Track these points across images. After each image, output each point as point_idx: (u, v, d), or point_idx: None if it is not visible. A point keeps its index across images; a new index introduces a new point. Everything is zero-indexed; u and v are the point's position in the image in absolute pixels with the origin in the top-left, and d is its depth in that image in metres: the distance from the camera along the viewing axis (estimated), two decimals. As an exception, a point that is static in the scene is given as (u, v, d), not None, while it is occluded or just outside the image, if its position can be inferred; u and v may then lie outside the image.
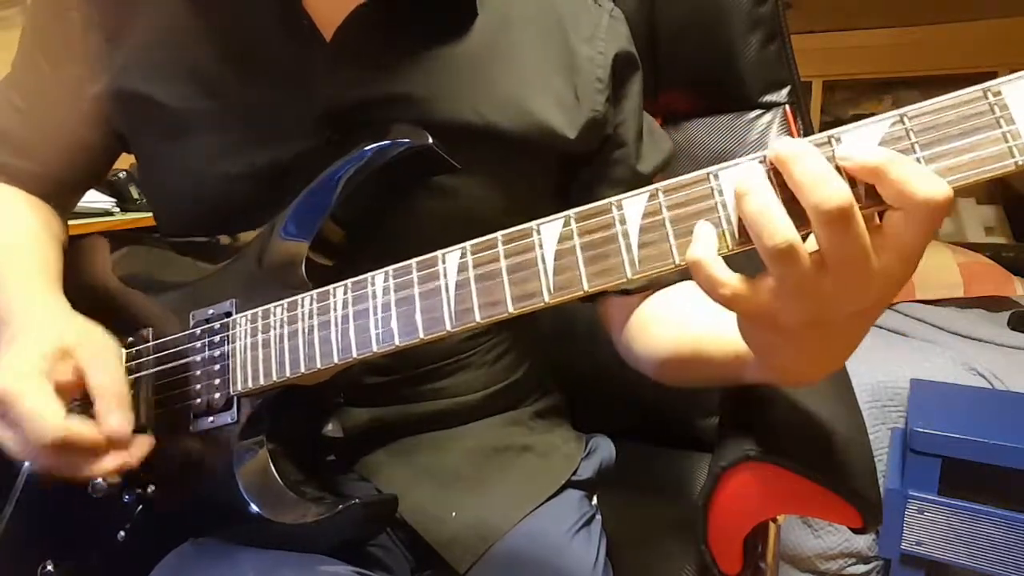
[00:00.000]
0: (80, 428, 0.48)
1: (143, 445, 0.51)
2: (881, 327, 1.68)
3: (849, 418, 0.60)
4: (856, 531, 0.52)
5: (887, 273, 0.34)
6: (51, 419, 0.47)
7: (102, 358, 0.51)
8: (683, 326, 0.54)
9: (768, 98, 0.88)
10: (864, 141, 0.34)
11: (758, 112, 0.88)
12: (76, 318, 0.54)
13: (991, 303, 1.81)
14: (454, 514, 0.59)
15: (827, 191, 0.31)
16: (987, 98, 0.32)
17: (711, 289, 0.36)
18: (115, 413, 0.49)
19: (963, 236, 2.42)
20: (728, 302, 0.36)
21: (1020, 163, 0.31)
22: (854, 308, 0.35)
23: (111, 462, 0.49)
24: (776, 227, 0.33)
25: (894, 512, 1.25)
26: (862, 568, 1.43)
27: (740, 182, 0.34)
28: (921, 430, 1.23)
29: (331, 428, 0.59)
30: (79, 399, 0.51)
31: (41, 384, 0.48)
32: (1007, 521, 1.18)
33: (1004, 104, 0.32)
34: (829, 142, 0.34)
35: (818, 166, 0.32)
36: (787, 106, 0.87)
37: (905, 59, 2.54)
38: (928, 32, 2.49)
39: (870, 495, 0.49)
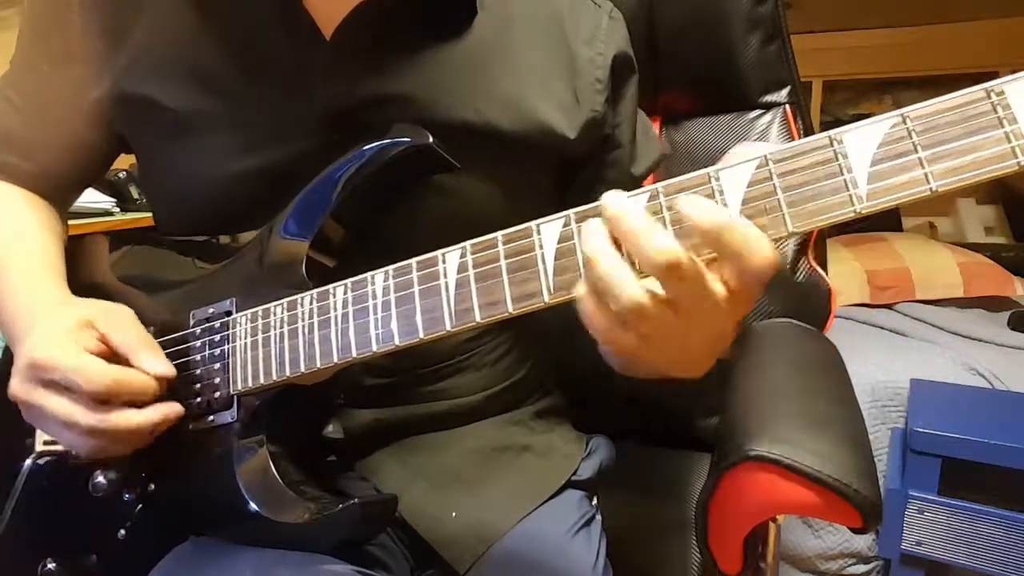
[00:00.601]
0: (129, 372, 0.49)
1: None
2: (881, 327, 1.68)
3: (849, 418, 0.60)
4: (856, 531, 0.52)
5: (735, 300, 0.36)
6: (100, 367, 0.48)
7: (122, 323, 0.52)
8: None
9: (768, 98, 0.88)
10: (865, 139, 0.34)
11: (758, 112, 0.88)
12: (87, 300, 0.55)
13: (991, 303, 1.81)
14: (454, 514, 0.59)
15: (652, 248, 0.33)
16: (990, 98, 0.32)
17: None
18: (154, 359, 0.51)
19: (963, 236, 2.42)
20: (597, 337, 0.38)
21: (1023, 163, 0.31)
22: (709, 334, 0.38)
23: (154, 412, 0.50)
24: (622, 290, 0.35)
25: (894, 512, 1.25)
26: (862, 568, 1.43)
27: (585, 248, 0.36)
28: (921, 430, 1.23)
29: (332, 429, 0.59)
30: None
31: (78, 347, 0.49)
32: (1007, 521, 1.18)
33: (1007, 104, 0.32)
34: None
35: (638, 223, 0.34)
36: (787, 106, 0.87)
37: (905, 59, 2.54)
38: (928, 32, 2.49)
39: (870, 495, 0.49)
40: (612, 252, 0.35)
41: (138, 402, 0.50)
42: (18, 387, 0.49)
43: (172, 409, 0.51)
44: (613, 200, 0.35)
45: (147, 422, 0.49)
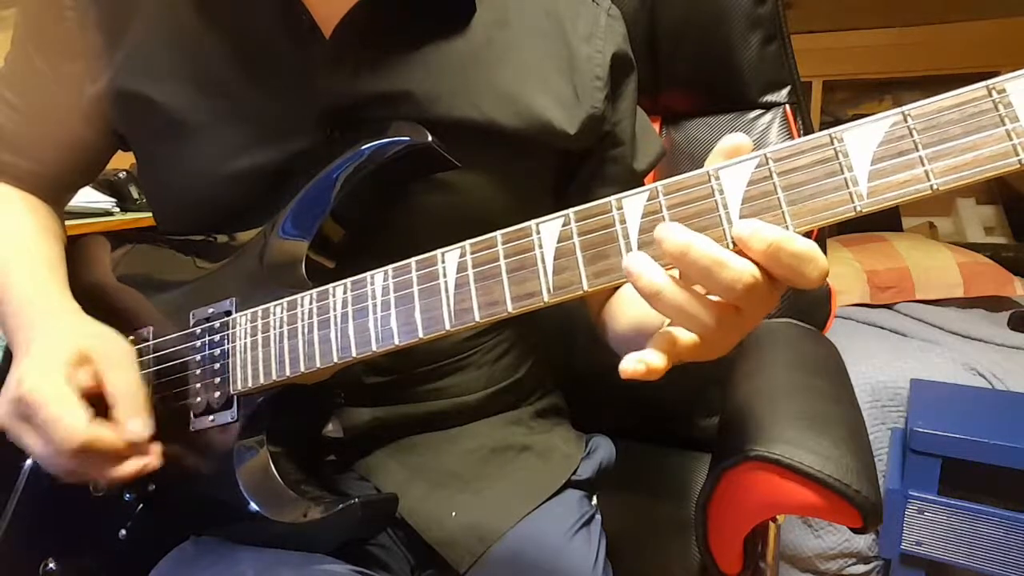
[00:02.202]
0: (104, 433, 0.48)
1: (158, 450, 0.52)
2: (881, 327, 1.68)
3: (849, 418, 0.60)
4: (856, 531, 0.52)
5: (778, 288, 0.37)
6: (76, 424, 0.47)
7: (119, 363, 0.52)
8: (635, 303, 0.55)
9: (768, 98, 0.88)
10: (866, 138, 0.34)
11: (758, 112, 0.88)
12: (90, 322, 0.55)
13: (991, 303, 1.81)
14: (454, 514, 0.59)
15: (729, 275, 0.34)
16: (991, 95, 0.32)
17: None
18: (134, 419, 0.50)
19: (963, 236, 2.42)
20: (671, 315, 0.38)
21: None
22: (754, 324, 0.39)
23: (131, 466, 0.50)
24: (694, 315, 0.36)
25: (894, 512, 1.25)
26: (862, 568, 1.43)
27: (646, 284, 0.36)
28: (921, 430, 1.23)
29: (332, 428, 0.59)
30: (96, 404, 0.51)
31: (65, 390, 0.48)
32: (1007, 521, 1.18)
33: (1008, 102, 0.31)
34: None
35: (711, 253, 0.34)
36: (787, 106, 0.87)
37: (905, 59, 2.54)
38: (928, 32, 2.49)
39: (870, 495, 0.49)
40: (665, 278, 0.36)
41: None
42: (3, 415, 0.49)
43: (147, 465, 0.51)
44: (672, 232, 0.35)
45: (116, 477, 0.50)
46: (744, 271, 0.34)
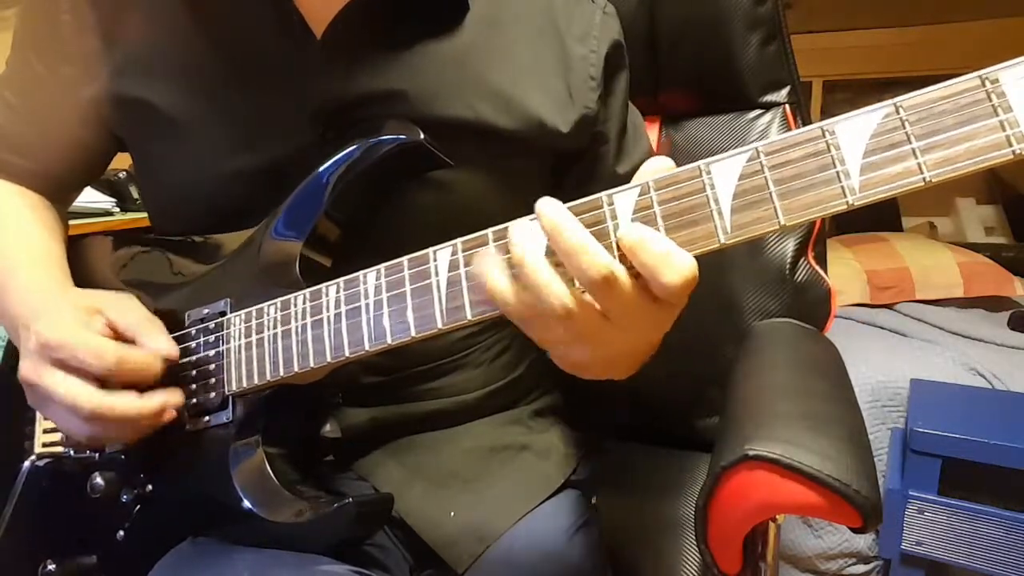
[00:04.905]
0: (135, 351, 0.50)
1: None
2: (881, 327, 1.68)
3: (849, 418, 0.60)
4: (856, 531, 0.52)
5: (664, 310, 0.37)
6: (109, 344, 0.49)
7: (129, 306, 0.54)
8: None
9: (768, 98, 0.87)
10: (858, 130, 0.33)
11: (758, 112, 0.88)
12: (91, 290, 0.56)
13: (991, 303, 1.80)
14: (452, 514, 0.59)
15: (585, 262, 0.34)
16: (984, 86, 0.31)
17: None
18: (159, 338, 0.52)
19: (963, 236, 2.42)
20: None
21: (1018, 152, 0.30)
22: (637, 341, 0.39)
23: (156, 400, 0.50)
24: (549, 294, 0.36)
25: (894, 512, 1.25)
26: (862, 568, 1.43)
27: (516, 253, 0.36)
28: (921, 430, 1.23)
29: (329, 428, 0.59)
30: None
31: (85, 330, 0.50)
32: (1007, 521, 1.18)
33: (1002, 92, 0.31)
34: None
35: (575, 238, 0.35)
36: (787, 106, 0.87)
37: (905, 59, 2.54)
38: (928, 32, 2.49)
39: (870, 495, 0.49)
40: (542, 259, 0.36)
41: (141, 387, 0.50)
42: (29, 368, 0.50)
43: (173, 396, 0.51)
44: (549, 210, 0.36)
45: (148, 408, 0.50)
46: (601, 258, 0.35)
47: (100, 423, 0.49)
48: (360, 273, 0.46)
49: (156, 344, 0.51)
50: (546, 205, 0.36)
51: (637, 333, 0.39)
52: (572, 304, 0.36)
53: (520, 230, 0.37)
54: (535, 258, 0.36)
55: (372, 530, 0.58)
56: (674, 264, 0.35)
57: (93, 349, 0.48)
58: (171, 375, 0.55)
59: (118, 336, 0.52)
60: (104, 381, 0.49)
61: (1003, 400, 1.38)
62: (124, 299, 0.55)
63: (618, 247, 0.36)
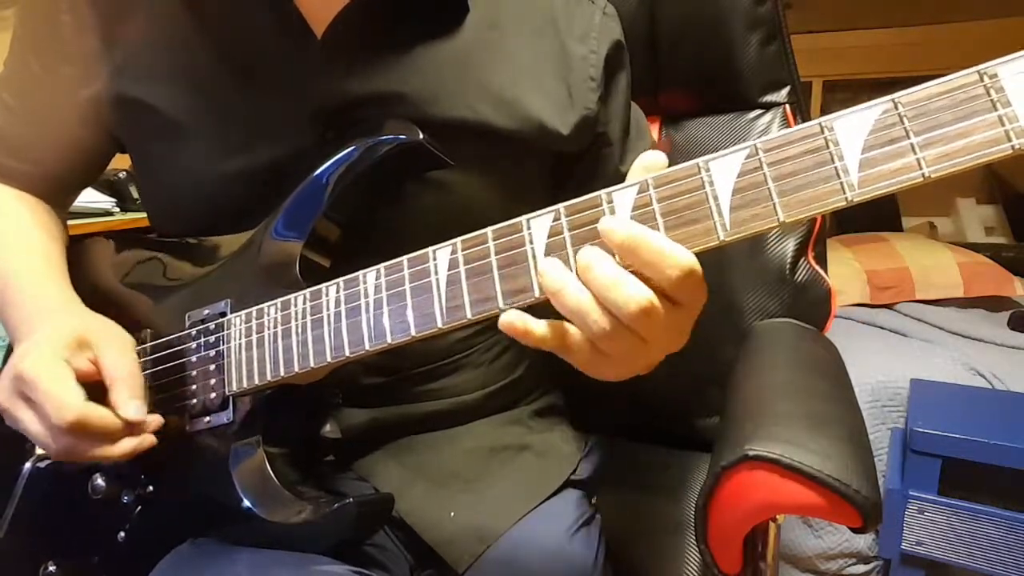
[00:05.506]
0: (98, 412, 0.49)
1: (154, 425, 0.52)
2: (881, 327, 1.68)
3: (849, 418, 0.60)
4: (856, 531, 0.52)
5: (680, 311, 0.37)
6: (71, 401, 0.48)
7: (118, 348, 0.53)
8: None
9: (768, 98, 0.87)
10: (856, 126, 0.33)
11: (758, 112, 0.88)
12: (91, 313, 0.56)
13: (991, 303, 1.80)
14: (452, 514, 0.59)
15: (623, 296, 0.35)
16: (982, 81, 0.31)
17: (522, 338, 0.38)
18: (131, 400, 0.51)
19: (963, 236, 2.42)
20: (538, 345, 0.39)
21: (1017, 147, 0.30)
22: (662, 353, 0.40)
23: (126, 446, 0.50)
24: (590, 321, 0.36)
25: (894, 512, 1.25)
26: (862, 568, 1.42)
27: (549, 282, 0.37)
28: (921, 430, 1.23)
29: (329, 429, 0.59)
30: (95, 389, 0.51)
31: (62, 368, 0.49)
32: (1007, 521, 1.18)
33: (1000, 87, 0.31)
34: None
35: (609, 273, 0.35)
36: (787, 106, 0.87)
37: (905, 59, 2.54)
38: (928, 32, 2.49)
39: (870, 495, 0.49)
40: (577, 286, 0.36)
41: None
42: (3, 392, 0.50)
43: (142, 443, 0.51)
44: (583, 254, 0.36)
45: (110, 456, 0.50)
46: (639, 292, 0.35)
47: (71, 454, 0.50)
48: (360, 273, 0.46)
49: (125, 409, 0.50)
50: (584, 252, 0.37)
51: (666, 341, 0.39)
52: (608, 328, 0.36)
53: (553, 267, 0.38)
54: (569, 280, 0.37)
55: (372, 530, 0.58)
56: (675, 257, 0.35)
57: (56, 400, 0.47)
58: (171, 376, 0.55)
59: (98, 375, 0.51)
60: None
61: (1003, 400, 1.38)
62: (119, 339, 0.53)
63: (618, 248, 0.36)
